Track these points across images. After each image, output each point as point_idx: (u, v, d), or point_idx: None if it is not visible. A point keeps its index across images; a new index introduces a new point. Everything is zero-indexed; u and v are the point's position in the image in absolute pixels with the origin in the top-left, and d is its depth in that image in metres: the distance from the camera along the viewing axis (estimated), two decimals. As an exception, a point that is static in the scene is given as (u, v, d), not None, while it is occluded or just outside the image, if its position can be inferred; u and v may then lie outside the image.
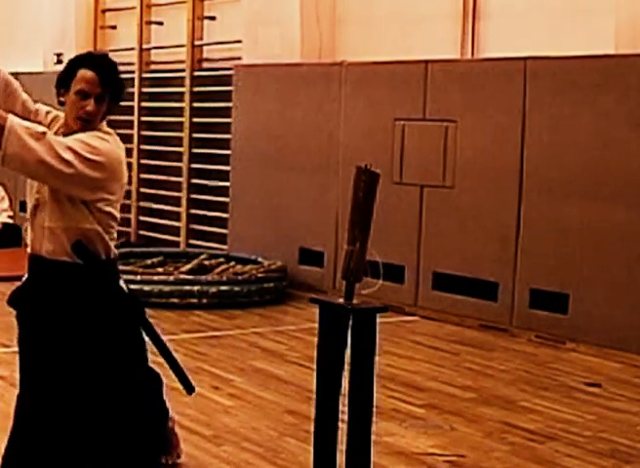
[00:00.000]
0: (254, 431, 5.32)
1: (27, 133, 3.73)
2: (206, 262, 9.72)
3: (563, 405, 6.04)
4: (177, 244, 11.47)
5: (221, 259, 9.90)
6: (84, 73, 3.93)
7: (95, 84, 3.93)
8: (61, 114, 4.11)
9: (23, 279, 4.13)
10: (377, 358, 3.98)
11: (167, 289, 8.75)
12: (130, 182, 12.43)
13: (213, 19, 11.39)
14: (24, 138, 3.71)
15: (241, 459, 4.88)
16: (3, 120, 3.71)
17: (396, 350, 7.35)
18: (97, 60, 4.02)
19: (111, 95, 4.00)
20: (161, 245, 11.46)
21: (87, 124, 3.96)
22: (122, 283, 4.19)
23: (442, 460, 4.99)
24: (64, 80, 3.98)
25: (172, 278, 8.94)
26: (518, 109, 8.01)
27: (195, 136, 11.45)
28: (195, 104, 11.46)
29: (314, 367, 4.08)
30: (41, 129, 3.81)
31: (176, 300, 8.72)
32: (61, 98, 4.01)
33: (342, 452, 3.97)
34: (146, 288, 8.66)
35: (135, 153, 12.12)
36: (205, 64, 11.58)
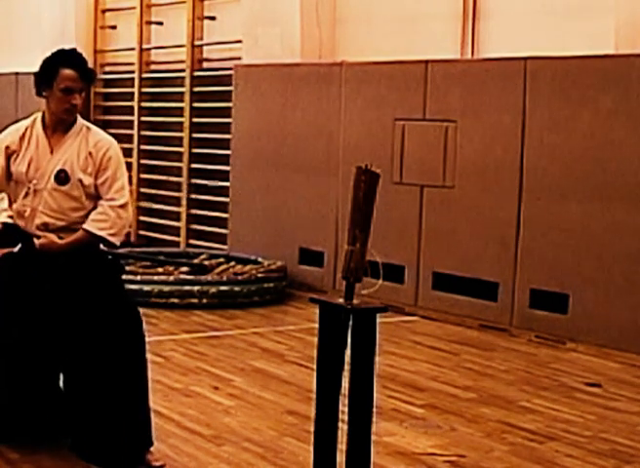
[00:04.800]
0: (254, 431, 5.32)
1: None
2: (206, 262, 9.72)
3: (563, 405, 6.04)
4: (177, 244, 11.48)
5: (221, 259, 9.89)
6: (66, 73, 4.56)
7: (77, 80, 4.58)
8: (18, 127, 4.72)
9: None
10: (377, 358, 3.98)
11: (167, 289, 8.75)
12: (130, 182, 12.48)
13: (213, 19, 11.40)
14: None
15: (241, 459, 4.88)
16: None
17: (396, 350, 7.35)
18: (73, 59, 4.60)
19: (88, 84, 4.69)
20: (161, 245, 11.47)
21: (74, 114, 4.65)
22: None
23: (442, 460, 4.99)
24: (46, 79, 4.60)
25: (172, 278, 8.93)
26: (518, 109, 8.01)
27: (195, 136, 11.45)
28: (195, 104, 11.46)
29: (314, 367, 4.08)
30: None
31: (176, 300, 8.71)
32: (44, 94, 4.66)
33: (342, 452, 3.97)
34: (146, 288, 8.66)
35: (135, 153, 12.12)
36: (205, 64, 11.58)
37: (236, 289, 8.92)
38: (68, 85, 4.55)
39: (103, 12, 13.08)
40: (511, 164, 8.06)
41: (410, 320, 8.55)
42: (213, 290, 8.83)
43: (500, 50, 8.57)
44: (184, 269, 9.39)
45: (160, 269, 9.38)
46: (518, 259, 8.06)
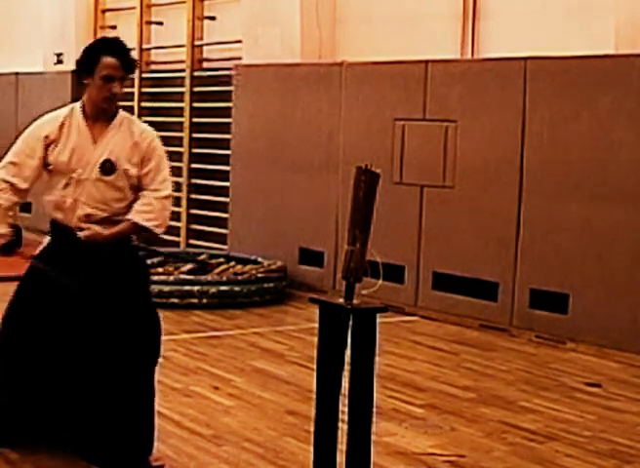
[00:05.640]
0: (254, 431, 5.32)
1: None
2: (206, 262, 9.72)
3: (563, 405, 6.04)
4: (177, 244, 11.47)
5: (221, 259, 9.90)
6: (108, 61, 4.50)
7: (118, 68, 4.53)
8: (54, 117, 4.65)
9: None
10: (377, 358, 3.98)
11: (167, 289, 8.74)
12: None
13: (213, 19, 11.40)
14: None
15: (241, 459, 4.88)
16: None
17: (396, 350, 7.35)
18: (115, 47, 4.59)
19: (129, 73, 4.62)
20: (161, 245, 11.45)
21: (114, 102, 4.59)
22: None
23: (442, 460, 4.99)
24: (87, 67, 4.53)
25: (172, 278, 8.93)
26: (518, 109, 8.01)
27: (195, 136, 11.45)
28: (195, 104, 11.46)
29: (314, 367, 4.08)
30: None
31: (176, 300, 8.71)
32: (85, 81, 4.59)
33: (342, 452, 3.97)
34: (146, 288, 8.65)
35: (135, 153, 12.11)
36: (205, 64, 11.58)
37: (236, 289, 8.92)
38: (110, 73, 4.50)
39: (103, 12, 13.08)
40: (511, 164, 8.06)
41: (410, 320, 8.55)
42: (213, 290, 8.83)
43: (500, 50, 8.57)
44: (184, 269, 9.40)
45: (160, 269, 9.39)
46: (518, 259, 8.06)
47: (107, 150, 4.58)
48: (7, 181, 4.60)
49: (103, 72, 4.50)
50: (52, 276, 4.63)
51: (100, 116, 4.62)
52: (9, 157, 4.63)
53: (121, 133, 4.63)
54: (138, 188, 4.67)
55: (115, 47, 4.58)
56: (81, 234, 4.57)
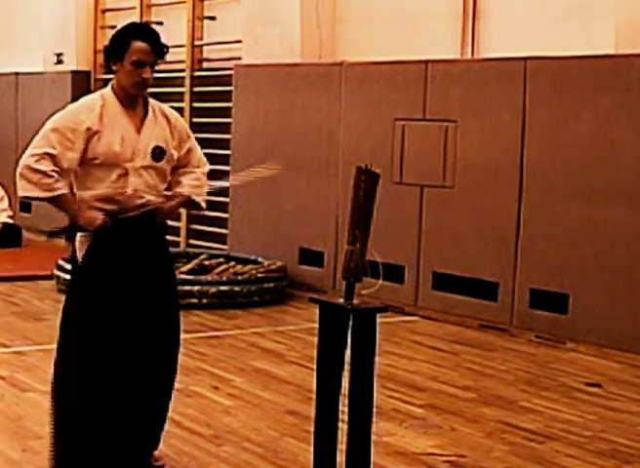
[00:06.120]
0: (254, 431, 5.32)
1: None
2: (206, 262, 9.72)
3: (563, 405, 6.04)
4: (177, 244, 11.47)
5: (221, 259, 9.89)
6: (138, 45, 4.43)
7: (149, 53, 4.48)
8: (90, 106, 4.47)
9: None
10: (377, 358, 3.98)
11: (167, 288, 8.73)
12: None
13: (213, 19, 11.40)
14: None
15: (241, 459, 4.88)
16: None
17: (396, 350, 7.35)
18: (145, 32, 4.53)
19: (160, 58, 4.61)
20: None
21: (145, 88, 4.51)
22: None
23: (442, 460, 4.99)
24: (117, 52, 4.45)
25: (172, 278, 8.92)
26: (518, 109, 8.01)
27: (195, 135, 11.40)
28: (195, 104, 11.46)
29: (314, 367, 4.08)
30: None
31: (176, 300, 8.70)
32: (114, 67, 4.50)
33: (342, 452, 3.97)
34: (146, 288, 8.65)
35: (135, 153, 12.10)
36: (205, 64, 11.59)
37: (236, 289, 8.92)
38: (140, 58, 4.43)
39: (103, 12, 13.08)
40: (511, 164, 8.06)
41: (410, 320, 8.55)
42: (213, 290, 8.83)
43: (500, 50, 8.57)
44: (184, 269, 9.39)
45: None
46: (518, 259, 8.05)
47: (153, 137, 4.53)
48: (54, 171, 4.35)
49: (134, 57, 4.41)
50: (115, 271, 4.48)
51: (135, 103, 4.52)
52: (41, 148, 4.35)
53: (159, 118, 4.58)
54: (173, 169, 4.71)
55: (146, 31, 4.51)
56: (153, 200, 4.51)
